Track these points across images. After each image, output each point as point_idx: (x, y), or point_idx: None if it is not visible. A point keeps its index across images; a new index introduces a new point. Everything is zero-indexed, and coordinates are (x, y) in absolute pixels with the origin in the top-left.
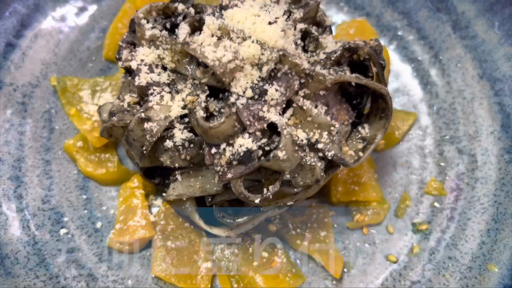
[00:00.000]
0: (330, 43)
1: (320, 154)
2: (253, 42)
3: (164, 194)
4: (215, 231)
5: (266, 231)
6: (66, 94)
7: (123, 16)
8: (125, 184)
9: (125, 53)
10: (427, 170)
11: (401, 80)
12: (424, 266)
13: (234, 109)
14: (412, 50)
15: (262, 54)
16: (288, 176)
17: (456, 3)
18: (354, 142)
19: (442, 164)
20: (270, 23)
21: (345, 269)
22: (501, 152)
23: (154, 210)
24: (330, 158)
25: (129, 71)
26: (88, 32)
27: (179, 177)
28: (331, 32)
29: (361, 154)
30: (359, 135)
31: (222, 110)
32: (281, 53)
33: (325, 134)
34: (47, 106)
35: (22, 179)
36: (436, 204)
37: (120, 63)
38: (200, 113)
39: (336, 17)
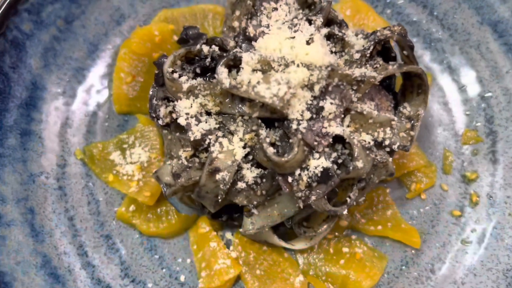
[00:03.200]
0: (353, 38)
1: (387, 149)
2: (298, 66)
3: (240, 230)
4: (297, 246)
5: (338, 228)
6: (96, 163)
7: (122, 65)
8: (194, 231)
9: (162, 110)
10: (457, 122)
11: None
12: (488, 211)
13: (299, 135)
14: (407, 14)
15: (311, 75)
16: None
17: None
18: (401, 123)
19: (468, 113)
20: (308, 42)
21: (421, 236)
22: None
23: (226, 243)
24: (396, 150)
25: (171, 125)
26: (92, 91)
27: (255, 211)
28: (347, 26)
29: (412, 133)
30: (403, 115)
31: (289, 140)
32: (329, 69)
33: (388, 130)
34: (83, 182)
35: (92, 263)
36: (476, 151)
37: (160, 121)
38: (271, 150)
39: None
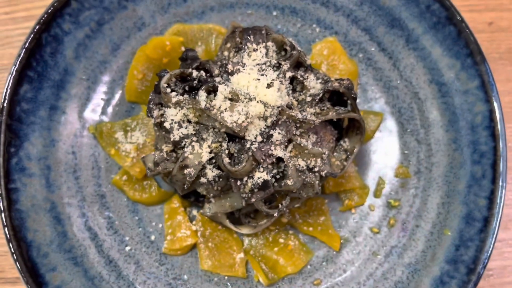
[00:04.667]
0: (313, 82)
1: (317, 174)
2: (258, 102)
3: (201, 211)
4: (243, 230)
5: (280, 222)
6: (103, 138)
7: (137, 64)
8: (168, 204)
9: (155, 112)
10: (395, 158)
11: (369, 86)
12: (399, 234)
13: (250, 153)
14: (375, 60)
15: (266, 110)
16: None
17: (407, 22)
18: (339, 154)
19: (406, 152)
20: (268, 85)
21: (342, 241)
22: (449, 142)
23: (192, 218)
24: (324, 175)
25: (160, 125)
26: (111, 83)
27: (212, 200)
28: (312, 70)
29: (345, 163)
30: (342, 148)
31: (242, 155)
32: (280, 109)
33: (318, 160)
34: (91, 151)
35: (87, 214)
36: (404, 184)
37: (153, 120)
38: (226, 160)
39: (310, 36)
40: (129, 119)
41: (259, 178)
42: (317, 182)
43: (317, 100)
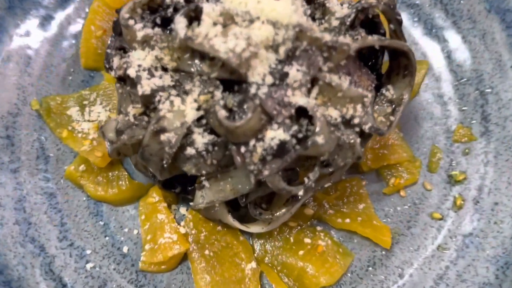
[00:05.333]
0: (337, 6)
1: (357, 129)
2: (263, 22)
3: (191, 203)
4: (252, 229)
5: (303, 216)
6: (52, 116)
7: (94, 17)
8: (144, 200)
9: (116, 61)
10: (451, 117)
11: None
12: (472, 217)
13: (257, 101)
14: None
15: (276, 34)
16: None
17: None
18: (382, 107)
19: (465, 108)
20: None
21: (392, 237)
22: None
23: (180, 219)
24: (367, 131)
25: (124, 80)
26: (59, 43)
27: (206, 183)
28: None
29: (392, 118)
30: (385, 98)
31: (245, 105)
32: (297, 29)
33: (359, 107)
34: (35, 135)
35: (29, 220)
36: (467, 151)
37: (112, 73)
38: (222, 113)
39: None
40: (87, 90)
41: (272, 139)
42: (358, 141)
43: (347, 24)
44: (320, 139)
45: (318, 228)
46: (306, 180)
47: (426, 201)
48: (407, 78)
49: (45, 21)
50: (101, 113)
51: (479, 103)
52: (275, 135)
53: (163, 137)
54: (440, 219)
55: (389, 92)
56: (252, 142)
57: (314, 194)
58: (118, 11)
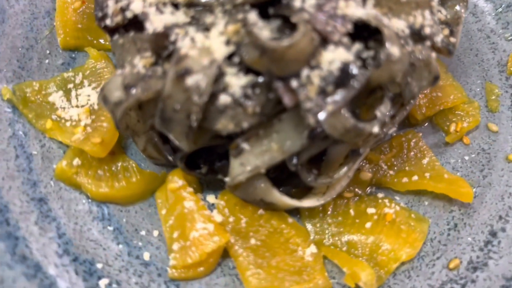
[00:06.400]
0: None
1: (428, 43)
2: None
3: (226, 179)
4: (306, 203)
5: (359, 183)
6: (29, 106)
7: None
8: (161, 190)
9: (111, 4)
10: (498, 50)
11: None
12: None
13: (307, 16)
14: None
15: None
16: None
17: None
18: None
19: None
20: None
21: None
22: None
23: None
24: (439, 45)
25: (125, 27)
26: (31, 21)
27: (246, 145)
28: None
29: (452, 40)
30: (438, 21)
31: (291, 27)
32: None
33: (427, 13)
34: (10, 130)
35: (15, 234)
36: None
37: (108, 21)
38: (265, 34)
39: None
40: (70, 72)
41: (331, 63)
42: (433, 56)
43: None
44: (395, 50)
45: (379, 195)
46: (378, 114)
47: (495, 144)
48: None
49: None
50: (91, 95)
51: None
52: (334, 57)
53: (189, 80)
54: None
55: (441, 13)
56: (305, 72)
57: (367, 154)
58: None
